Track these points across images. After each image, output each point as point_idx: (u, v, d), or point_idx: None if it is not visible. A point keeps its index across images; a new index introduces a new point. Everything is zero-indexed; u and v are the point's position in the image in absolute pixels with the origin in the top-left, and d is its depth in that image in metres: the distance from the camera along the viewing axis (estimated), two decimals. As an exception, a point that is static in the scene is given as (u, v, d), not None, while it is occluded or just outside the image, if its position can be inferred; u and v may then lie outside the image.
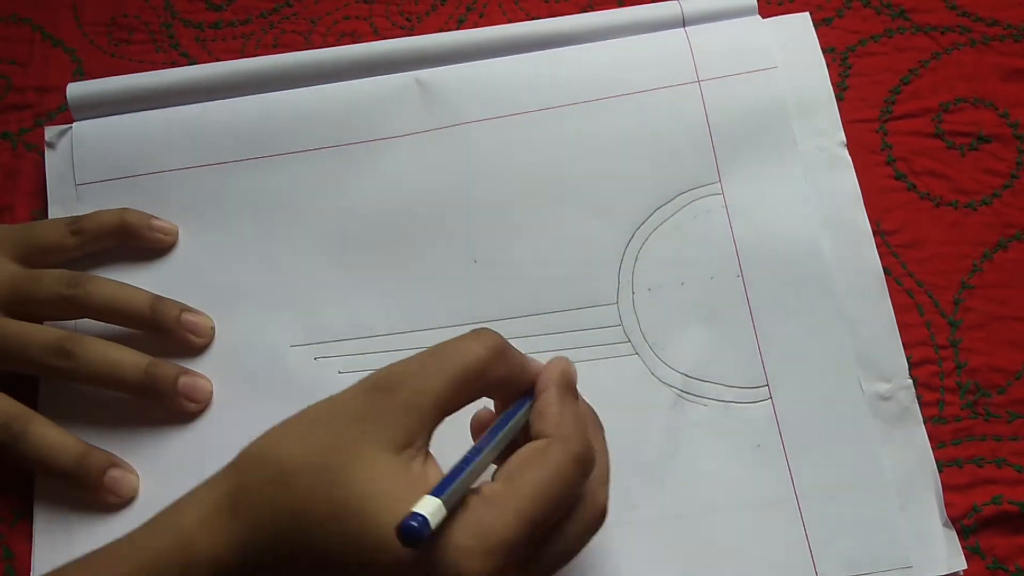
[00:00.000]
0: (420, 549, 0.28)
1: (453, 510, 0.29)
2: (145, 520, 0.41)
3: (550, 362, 0.35)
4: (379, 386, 0.32)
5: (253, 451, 0.32)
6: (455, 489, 0.29)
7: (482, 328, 0.34)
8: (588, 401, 0.36)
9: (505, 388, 0.34)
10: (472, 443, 0.33)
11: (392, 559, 0.28)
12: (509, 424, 0.33)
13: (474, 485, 0.30)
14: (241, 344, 0.43)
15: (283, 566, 0.30)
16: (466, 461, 0.30)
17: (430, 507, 0.27)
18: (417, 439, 0.31)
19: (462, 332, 0.43)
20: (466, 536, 0.29)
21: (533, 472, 0.30)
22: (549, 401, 0.33)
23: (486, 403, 0.36)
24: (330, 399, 0.32)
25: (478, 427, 0.36)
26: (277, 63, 0.46)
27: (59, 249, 0.43)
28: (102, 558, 0.32)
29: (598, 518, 0.33)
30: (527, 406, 0.34)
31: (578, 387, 0.36)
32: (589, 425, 0.34)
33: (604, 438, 0.35)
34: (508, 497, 0.29)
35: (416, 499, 0.28)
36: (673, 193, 0.44)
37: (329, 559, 0.29)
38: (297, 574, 0.30)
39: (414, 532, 0.26)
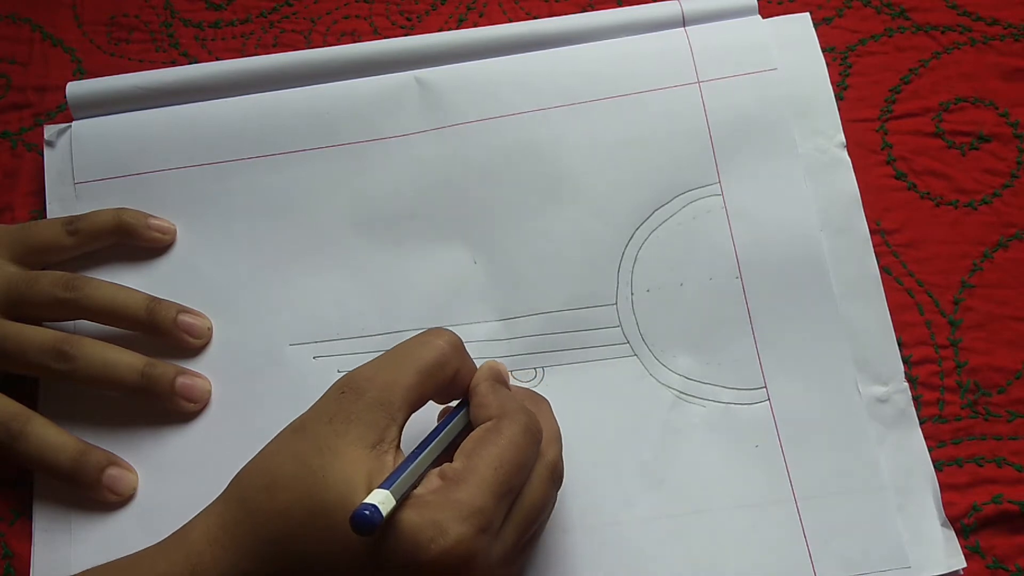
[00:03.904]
0: (376, 535, 0.30)
1: (404, 498, 0.31)
2: (144, 518, 0.41)
3: (480, 365, 0.37)
4: (349, 387, 0.34)
5: (249, 467, 0.34)
6: (403, 480, 0.31)
7: (438, 327, 0.37)
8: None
9: (455, 388, 0.36)
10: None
11: (365, 550, 0.30)
12: (452, 422, 0.35)
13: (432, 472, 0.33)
14: (239, 343, 0.43)
15: (286, 572, 0.32)
16: (413, 456, 0.33)
17: (379, 497, 0.29)
18: (388, 434, 0.33)
19: (462, 332, 0.43)
20: (439, 510, 0.30)
21: (489, 447, 0.33)
22: (484, 392, 0.36)
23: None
24: (310, 407, 0.34)
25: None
26: (277, 63, 0.46)
27: (56, 249, 0.43)
28: (116, 573, 0.34)
29: (553, 473, 0.35)
30: (466, 407, 0.36)
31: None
32: (530, 403, 0.37)
33: (549, 408, 0.38)
34: (470, 472, 0.32)
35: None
36: (672, 193, 0.44)
37: (315, 560, 0.31)
38: None
39: (365, 520, 0.28)
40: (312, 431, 0.33)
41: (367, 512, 0.28)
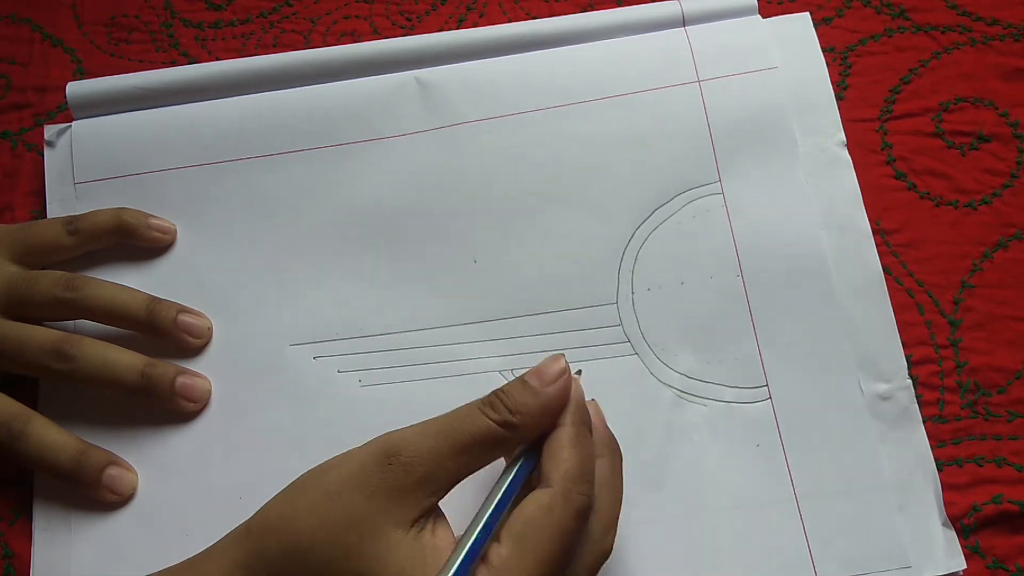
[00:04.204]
0: None
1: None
2: (144, 518, 0.41)
3: (571, 390, 0.34)
4: (393, 459, 0.32)
5: (271, 519, 0.32)
6: (460, 568, 0.30)
7: (497, 393, 0.34)
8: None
9: (516, 444, 0.34)
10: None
11: None
12: (511, 491, 0.33)
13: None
14: (240, 343, 0.43)
15: None
16: (474, 543, 0.31)
17: None
18: (429, 510, 0.32)
19: (462, 332, 0.43)
20: None
21: (539, 534, 0.31)
22: (562, 444, 0.33)
23: None
24: (344, 466, 0.32)
25: None
26: (277, 63, 0.46)
27: (57, 249, 0.43)
28: None
29: (602, 560, 0.34)
30: (531, 465, 0.34)
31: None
32: (606, 460, 0.35)
33: (621, 469, 0.35)
34: (517, 567, 0.30)
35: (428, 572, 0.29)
36: (673, 193, 0.44)
37: None
38: None
39: None
40: (348, 502, 0.31)
41: None
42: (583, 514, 0.32)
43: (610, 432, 0.36)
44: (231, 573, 0.32)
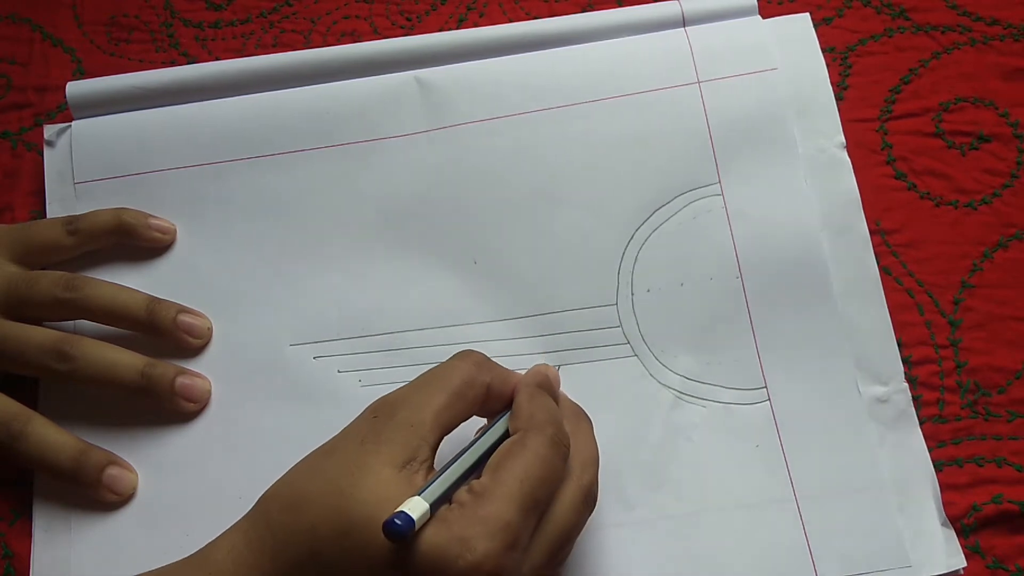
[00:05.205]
0: (404, 546, 0.30)
1: (438, 508, 0.31)
2: (144, 518, 0.41)
3: (528, 370, 0.38)
4: (379, 411, 0.34)
5: (276, 486, 0.34)
6: (436, 487, 0.31)
7: (466, 349, 0.37)
8: (583, 402, 0.38)
9: (493, 402, 0.36)
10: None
11: (390, 562, 0.30)
12: (489, 431, 0.35)
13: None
14: (240, 343, 0.43)
15: None
16: (448, 465, 0.33)
17: (413, 505, 0.29)
18: (419, 454, 0.32)
19: (462, 332, 0.43)
20: (465, 526, 0.30)
21: (514, 460, 0.32)
22: (520, 401, 0.35)
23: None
24: (339, 432, 0.35)
25: None
26: (277, 63, 0.46)
27: (56, 248, 0.43)
28: None
29: (587, 496, 0.35)
30: (505, 415, 0.36)
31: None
32: (571, 420, 0.37)
33: (590, 430, 0.37)
34: (496, 486, 0.31)
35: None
36: (673, 194, 0.44)
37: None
38: None
39: (397, 529, 0.28)
40: (342, 452, 0.33)
41: (398, 521, 0.29)
42: (554, 442, 0.33)
43: (573, 401, 0.39)
44: (237, 551, 0.33)
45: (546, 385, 0.37)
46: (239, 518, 0.34)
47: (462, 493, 0.32)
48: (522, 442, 0.33)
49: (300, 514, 0.32)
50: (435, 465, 0.33)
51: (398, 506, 0.30)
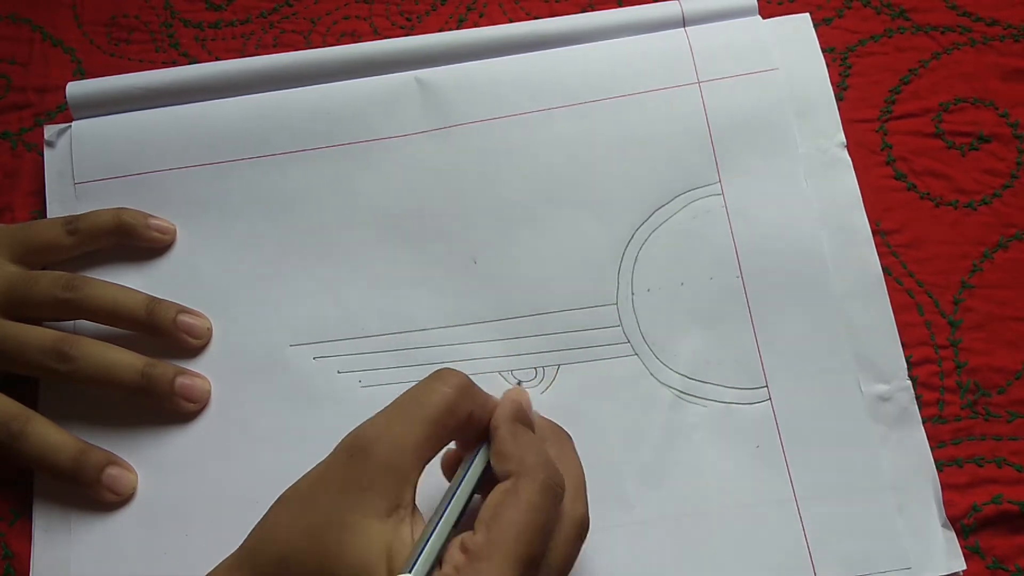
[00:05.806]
0: None
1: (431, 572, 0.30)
2: (144, 518, 0.41)
3: (501, 399, 0.35)
4: (355, 451, 0.32)
5: (258, 534, 0.32)
6: (425, 557, 0.30)
7: (444, 368, 0.34)
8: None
9: (472, 427, 0.34)
10: (445, 483, 0.34)
11: None
12: (469, 471, 0.34)
13: (455, 538, 0.31)
14: (239, 343, 0.43)
15: None
16: (433, 522, 0.31)
17: None
18: (403, 499, 0.31)
19: (462, 332, 0.43)
20: None
21: (509, 513, 0.31)
22: (504, 439, 0.33)
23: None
24: (315, 469, 0.33)
25: (448, 466, 0.36)
26: (277, 63, 0.46)
27: (56, 249, 0.43)
28: None
29: (580, 530, 0.34)
30: (483, 448, 0.34)
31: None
32: (553, 443, 0.35)
33: (573, 448, 0.36)
34: (493, 546, 0.30)
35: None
36: (673, 193, 0.44)
37: None
38: None
39: None
40: (324, 503, 0.31)
41: None
42: (548, 488, 0.32)
43: (549, 420, 0.37)
44: None
45: (522, 416, 0.35)
46: (222, 559, 0.33)
47: (455, 553, 0.30)
48: (515, 491, 0.31)
49: (287, 571, 0.31)
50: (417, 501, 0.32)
51: (389, 563, 0.29)
